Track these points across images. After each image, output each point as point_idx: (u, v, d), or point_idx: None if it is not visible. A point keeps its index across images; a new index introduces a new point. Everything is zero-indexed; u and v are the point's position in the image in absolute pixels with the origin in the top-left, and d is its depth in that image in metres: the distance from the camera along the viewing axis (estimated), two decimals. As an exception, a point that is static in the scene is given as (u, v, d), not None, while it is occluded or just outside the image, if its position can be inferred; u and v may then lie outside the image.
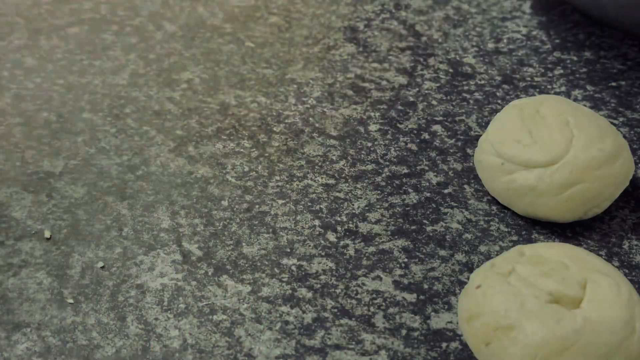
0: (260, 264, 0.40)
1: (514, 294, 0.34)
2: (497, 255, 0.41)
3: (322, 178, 0.46)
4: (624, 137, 0.48)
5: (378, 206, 0.44)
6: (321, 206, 0.44)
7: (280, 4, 0.62)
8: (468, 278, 0.39)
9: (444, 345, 0.37)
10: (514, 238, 0.42)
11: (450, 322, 0.38)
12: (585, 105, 0.50)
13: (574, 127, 0.42)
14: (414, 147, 0.48)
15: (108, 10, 0.61)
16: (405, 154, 0.48)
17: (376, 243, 0.42)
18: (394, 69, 0.55)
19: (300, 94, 0.52)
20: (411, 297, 0.39)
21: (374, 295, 0.39)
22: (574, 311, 0.34)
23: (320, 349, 0.36)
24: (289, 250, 0.41)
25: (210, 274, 0.40)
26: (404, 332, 0.37)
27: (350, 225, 0.43)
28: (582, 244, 0.42)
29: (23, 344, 0.36)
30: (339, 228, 0.42)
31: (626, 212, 0.44)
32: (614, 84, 0.53)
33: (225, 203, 0.44)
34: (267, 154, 0.47)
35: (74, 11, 0.61)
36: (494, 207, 0.44)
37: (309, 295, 0.39)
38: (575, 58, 0.56)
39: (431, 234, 0.42)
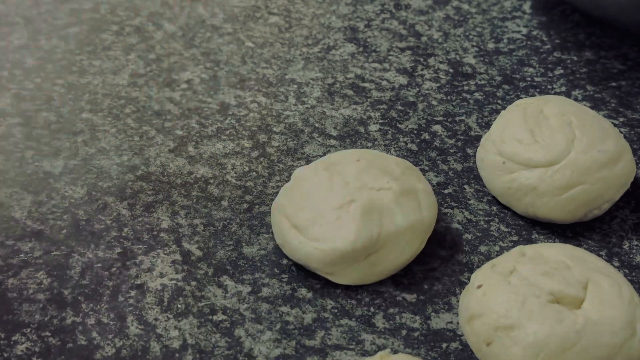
0: (260, 264, 0.40)
1: (515, 293, 0.34)
2: (497, 255, 0.41)
3: (322, 178, 0.46)
4: (624, 137, 0.48)
5: (378, 206, 0.44)
6: (321, 206, 0.44)
7: (280, 4, 0.62)
8: (468, 278, 0.39)
9: (444, 345, 0.37)
10: (514, 238, 0.42)
11: (450, 322, 0.38)
12: (585, 106, 0.50)
13: (576, 128, 0.42)
14: (414, 147, 0.48)
15: (108, 10, 0.61)
16: (405, 154, 0.48)
17: (376, 243, 0.42)
18: (394, 69, 0.55)
19: (300, 94, 0.52)
20: (411, 297, 0.39)
21: (374, 295, 0.39)
22: (575, 311, 0.34)
23: (320, 349, 0.36)
24: (289, 250, 0.41)
25: (210, 274, 0.40)
26: (404, 332, 0.37)
27: (351, 225, 0.43)
28: (583, 244, 0.41)
29: (23, 344, 0.36)
30: (339, 228, 0.42)
31: (626, 212, 0.44)
32: (614, 84, 0.53)
33: (225, 203, 0.44)
34: (267, 154, 0.47)
35: (74, 11, 0.61)
36: (494, 207, 0.44)
37: (309, 295, 0.39)
38: (575, 58, 0.56)
39: (431, 234, 0.42)
